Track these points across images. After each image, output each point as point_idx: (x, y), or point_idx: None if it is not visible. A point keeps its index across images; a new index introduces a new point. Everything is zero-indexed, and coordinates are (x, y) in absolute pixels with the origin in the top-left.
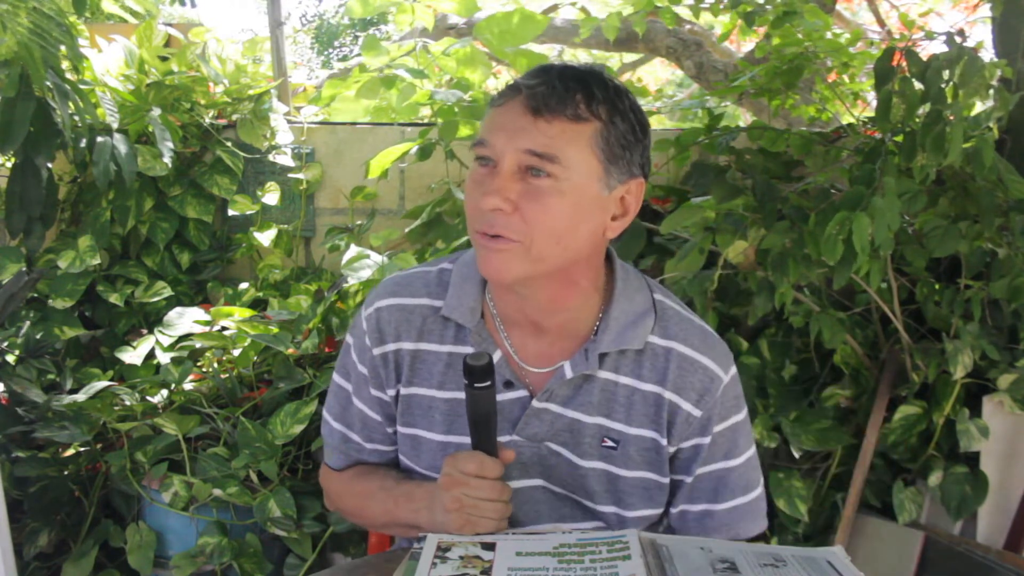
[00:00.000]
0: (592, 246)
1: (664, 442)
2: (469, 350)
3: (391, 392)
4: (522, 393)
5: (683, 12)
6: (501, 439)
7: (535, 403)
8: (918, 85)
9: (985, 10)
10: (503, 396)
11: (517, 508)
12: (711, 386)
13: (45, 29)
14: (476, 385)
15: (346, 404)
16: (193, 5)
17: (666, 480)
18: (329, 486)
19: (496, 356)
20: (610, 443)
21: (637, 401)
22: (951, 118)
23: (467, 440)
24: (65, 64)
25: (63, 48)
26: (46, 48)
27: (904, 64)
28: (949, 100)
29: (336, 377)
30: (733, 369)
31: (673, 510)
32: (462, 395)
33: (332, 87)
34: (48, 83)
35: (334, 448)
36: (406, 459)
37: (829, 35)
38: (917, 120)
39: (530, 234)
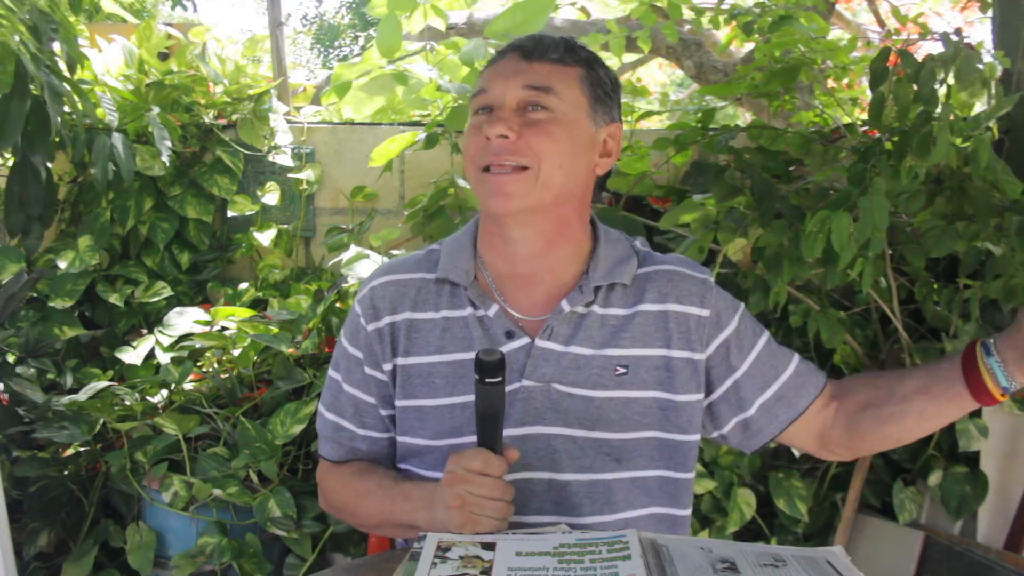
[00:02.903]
0: (586, 182)
1: (678, 354)
2: (464, 313)
3: (388, 367)
4: (524, 340)
5: (683, 14)
6: (511, 387)
7: (537, 342)
8: (914, 86)
9: (983, 9)
10: (507, 347)
11: (532, 455)
12: (706, 288)
13: (24, 34)
14: (487, 380)
15: (337, 393)
16: (195, 9)
17: (680, 398)
18: (324, 482)
19: (492, 311)
20: (622, 370)
21: (640, 323)
22: (938, 118)
23: (472, 399)
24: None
25: (56, 47)
26: (27, 53)
27: (901, 65)
28: (943, 100)
29: (329, 371)
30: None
31: (751, 411)
32: (462, 356)
33: (342, 71)
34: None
35: (327, 439)
36: (408, 437)
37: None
38: (911, 120)
39: (537, 158)
